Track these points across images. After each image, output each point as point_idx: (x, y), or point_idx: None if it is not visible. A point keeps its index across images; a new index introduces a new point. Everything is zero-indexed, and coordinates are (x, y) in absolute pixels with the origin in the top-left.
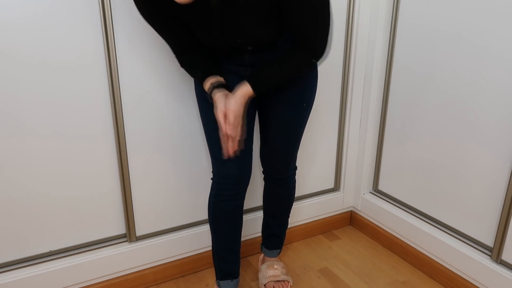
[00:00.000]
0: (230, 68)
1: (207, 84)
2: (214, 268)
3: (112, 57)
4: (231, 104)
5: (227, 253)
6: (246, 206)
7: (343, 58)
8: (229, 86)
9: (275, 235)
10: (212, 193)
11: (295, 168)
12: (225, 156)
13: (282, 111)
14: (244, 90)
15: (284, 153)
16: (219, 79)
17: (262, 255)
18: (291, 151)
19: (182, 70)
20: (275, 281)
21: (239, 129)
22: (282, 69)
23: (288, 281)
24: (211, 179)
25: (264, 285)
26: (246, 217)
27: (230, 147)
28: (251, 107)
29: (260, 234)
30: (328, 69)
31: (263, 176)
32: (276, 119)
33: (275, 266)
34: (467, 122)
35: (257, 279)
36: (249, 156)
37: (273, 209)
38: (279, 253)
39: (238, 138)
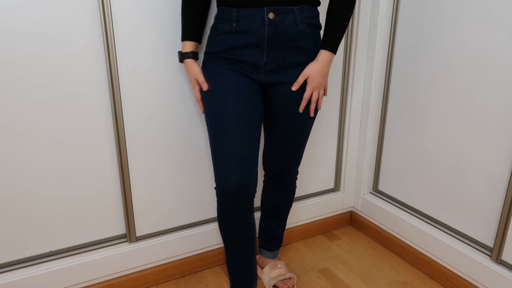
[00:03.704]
0: (247, 56)
1: (189, 46)
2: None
3: (112, 55)
4: (322, 71)
5: (236, 263)
6: None
7: (343, 58)
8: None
9: (276, 237)
10: (217, 202)
11: (298, 171)
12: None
13: (296, 113)
14: (326, 57)
15: (292, 156)
16: (196, 50)
17: (257, 257)
18: (299, 154)
19: (183, 69)
20: (282, 280)
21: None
22: (341, 17)
23: (293, 277)
24: (215, 188)
25: (273, 286)
26: None
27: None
28: (258, 111)
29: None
30: None
31: (263, 179)
32: (287, 121)
33: (279, 266)
34: (467, 123)
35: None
36: (254, 168)
37: (275, 212)
38: (277, 252)
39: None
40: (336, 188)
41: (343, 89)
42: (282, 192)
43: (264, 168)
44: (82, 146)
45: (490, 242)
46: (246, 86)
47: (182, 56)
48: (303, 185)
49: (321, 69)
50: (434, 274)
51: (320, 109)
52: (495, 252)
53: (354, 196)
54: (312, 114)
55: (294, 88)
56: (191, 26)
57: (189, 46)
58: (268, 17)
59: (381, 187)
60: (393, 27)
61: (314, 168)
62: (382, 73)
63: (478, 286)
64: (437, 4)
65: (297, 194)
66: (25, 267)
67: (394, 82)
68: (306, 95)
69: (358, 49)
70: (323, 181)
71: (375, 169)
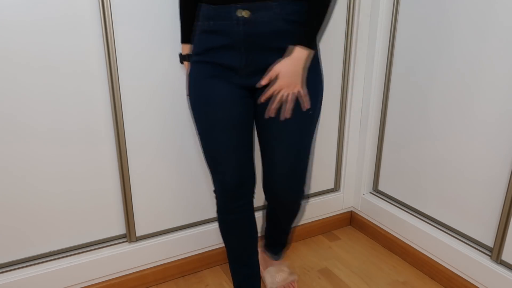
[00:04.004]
0: (223, 58)
1: (186, 49)
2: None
3: (112, 55)
4: (286, 67)
5: (239, 266)
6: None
7: (343, 58)
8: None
9: (281, 243)
10: (216, 204)
11: (303, 190)
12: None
13: (283, 125)
14: (301, 54)
15: (292, 176)
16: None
17: (261, 252)
18: (300, 172)
19: (183, 69)
20: (285, 283)
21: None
22: (318, 8)
23: (294, 280)
24: (213, 191)
25: None
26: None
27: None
28: (243, 116)
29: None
30: (328, 69)
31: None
32: (277, 136)
33: (284, 269)
34: (467, 122)
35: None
36: (248, 164)
37: (281, 226)
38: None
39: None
40: (336, 188)
41: (343, 89)
42: (290, 212)
43: (265, 189)
44: (81, 147)
45: (490, 242)
46: (227, 92)
47: (181, 59)
48: None
49: (293, 67)
50: (434, 274)
51: (288, 116)
52: (495, 252)
53: (354, 196)
54: (272, 114)
55: (263, 82)
56: (187, 29)
57: (186, 49)
58: (242, 15)
59: (381, 187)
60: (393, 27)
61: (314, 168)
62: (382, 73)
63: (478, 286)
64: (438, 4)
65: None
66: (25, 267)
67: (394, 82)
68: (271, 90)
69: (358, 49)
70: (323, 181)
71: (375, 169)
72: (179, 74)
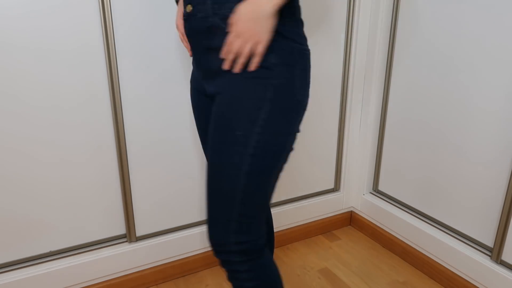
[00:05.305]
0: (193, 60)
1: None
2: None
3: (112, 57)
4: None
5: None
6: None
7: (343, 58)
8: None
9: None
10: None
11: (241, 251)
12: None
13: (218, 132)
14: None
15: (208, 217)
16: None
17: None
18: (213, 214)
19: (184, 69)
20: None
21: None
22: None
23: None
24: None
25: None
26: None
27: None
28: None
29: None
30: (328, 69)
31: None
32: (210, 147)
33: None
34: (467, 122)
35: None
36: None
37: None
38: None
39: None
40: (336, 188)
41: (343, 88)
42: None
43: None
44: (82, 147)
45: (490, 242)
46: (197, 101)
47: None
48: (303, 185)
49: (249, 10)
50: (434, 274)
51: (236, 71)
52: (495, 252)
53: (354, 196)
54: (237, 70)
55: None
56: None
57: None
58: (185, 10)
59: (381, 187)
60: (393, 27)
61: (314, 168)
62: (382, 73)
63: (478, 286)
64: (438, 4)
65: (297, 194)
66: (25, 267)
67: (394, 81)
68: (228, 41)
69: (358, 48)
70: (323, 181)
71: (375, 169)
72: (180, 73)
